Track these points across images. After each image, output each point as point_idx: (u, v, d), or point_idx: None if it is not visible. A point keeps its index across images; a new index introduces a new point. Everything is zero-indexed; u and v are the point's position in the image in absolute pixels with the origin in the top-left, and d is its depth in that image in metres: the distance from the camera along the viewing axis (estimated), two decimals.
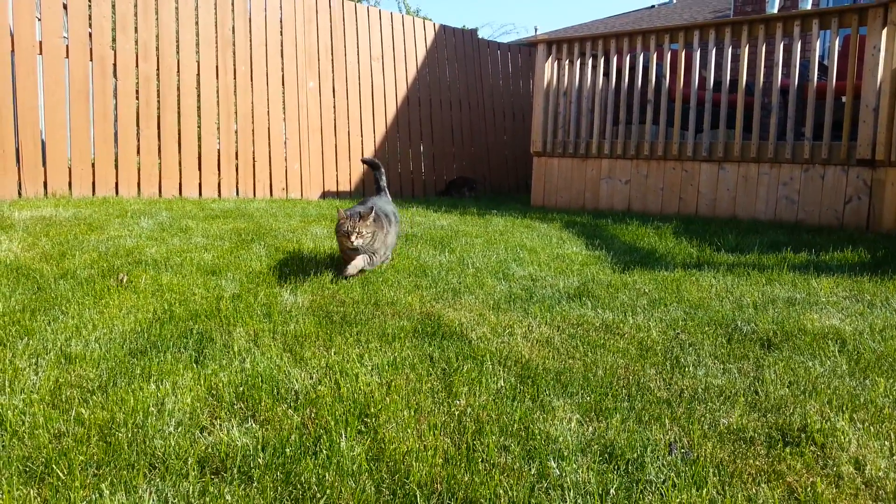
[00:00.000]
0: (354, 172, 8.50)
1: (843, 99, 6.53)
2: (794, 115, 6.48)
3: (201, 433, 1.95)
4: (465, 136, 9.74)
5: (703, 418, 2.14)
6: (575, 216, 6.78)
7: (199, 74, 7.26)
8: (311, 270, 3.94)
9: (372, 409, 2.12)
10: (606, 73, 7.59)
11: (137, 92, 6.89)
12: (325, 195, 8.16)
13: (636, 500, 1.67)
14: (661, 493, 1.69)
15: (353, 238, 3.58)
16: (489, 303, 3.44)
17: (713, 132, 6.96)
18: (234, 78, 7.49)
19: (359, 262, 3.72)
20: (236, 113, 7.51)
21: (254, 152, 7.62)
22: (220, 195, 7.38)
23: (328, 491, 1.65)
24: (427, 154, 9.33)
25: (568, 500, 1.66)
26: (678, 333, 2.99)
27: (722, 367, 2.61)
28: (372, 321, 3.03)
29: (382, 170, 4.50)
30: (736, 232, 5.74)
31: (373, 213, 3.67)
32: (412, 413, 2.11)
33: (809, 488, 1.73)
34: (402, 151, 9.08)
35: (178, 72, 7.14)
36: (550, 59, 7.87)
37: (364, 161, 4.66)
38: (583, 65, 7.69)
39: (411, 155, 9.20)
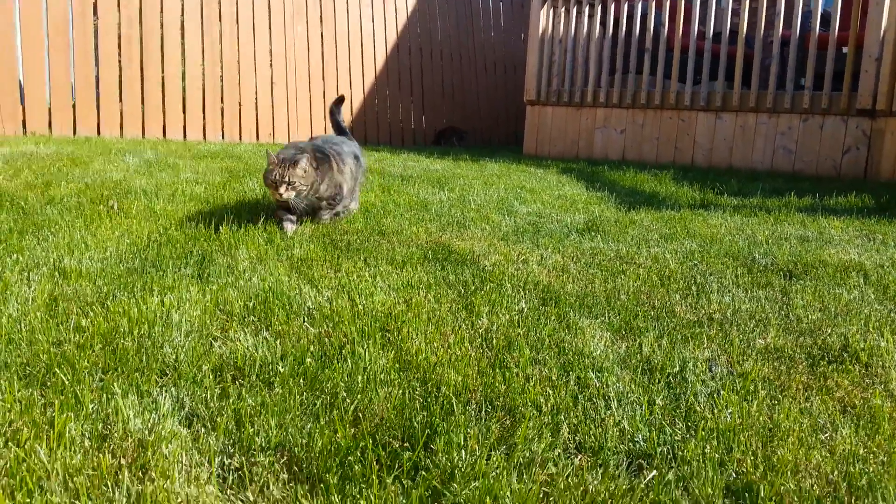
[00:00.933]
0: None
1: (845, 49, 6.42)
2: (794, 66, 6.37)
3: (213, 343, 1.82)
4: (456, 88, 9.53)
5: (737, 339, 2.05)
6: (570, 163, 6.66)
7: (182, 15, 6.97)
8: None
9: (392, 324, 2.00)
10: (603, 22, 7.41)
11: (120, 29, 6.60)
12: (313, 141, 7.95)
13: (687, 408, 1.57)
14: (713, 403, 1.59)
15: (281, 189, 2.90)
16: (497, 235, 3.32)
17: (711, 84, 6.83)
18: (220, 20, 7.20)
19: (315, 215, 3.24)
20: (222, 54, 7.24)
21: (240, 95, 7.37)
22: (205, 138, 7.14)
23: (359, 396, 1.54)
24: (417, 104, 9.12)
25: (614, 408, 1.56)
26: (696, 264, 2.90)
27: (746, 294, 2.52)
28: (378, 248, 2.90)
29: (341, 108, 3.87)
30: (736, 179, 5.66)
31: (306, 159, 2.94)
32: (435, 328, 1.99)
33: (863, 402, 1.65)
34: (392, 100, 8.86)
35: (162, 11, 6.84)
36: (546, 5, 7.66)
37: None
38: (579, 13, 7.49)
39: (401, 105, 8.99)
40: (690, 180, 5.50)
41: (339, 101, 3.84)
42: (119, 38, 6.62)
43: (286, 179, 2.89)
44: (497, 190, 4.67)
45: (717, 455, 1.36)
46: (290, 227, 3.09)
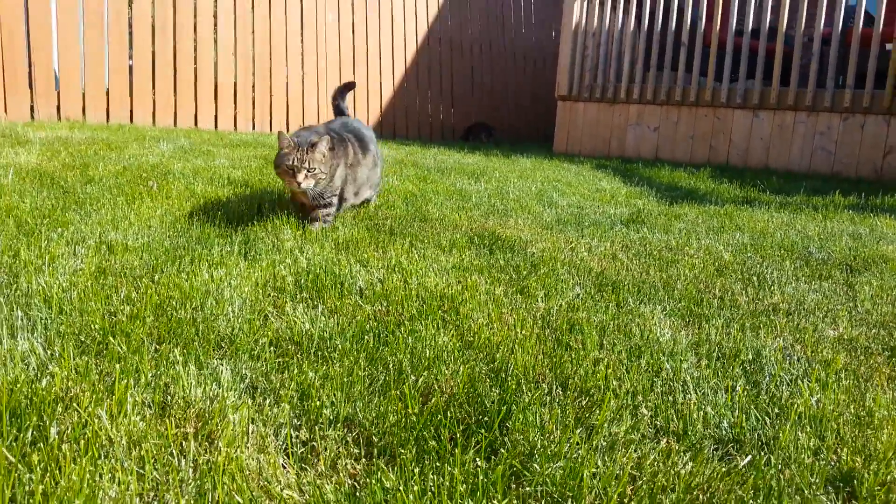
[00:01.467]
0: (372, 113, 8.22)
1: (889, 46, 6.27)
2: (835, 63, 6.23)
3: (268, 317, 1.76)
4: (485, 83, 9.44)
5: (807, 329, 1.96)
6: (603, 161, 6.55)
7: (216, 4, 6.94)
8: None
9: (449, 305, 1.93)
10: (638, 16, 7.30)
11: (154, 18, 6.59)
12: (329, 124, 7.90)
13: (770, 396, 1.49)
14: (796, 391, 1.51)
15: (300, 177, 2.51)
16: (539, 224, 3.25)
17: (748, 81, 6.70)
18: (252, 9, 7.18)
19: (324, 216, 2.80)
20: (254, 45, 7.21)
21: (271, 85, 7.33)
22: (235, 128, 7.12)
23: (424, 373, 1.47)
24: (446, 98, 9.04)
25: (692, 391, 1.48)
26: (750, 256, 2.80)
27: (809, 285, 2.42)
28: (423, 233, 2.84)
29: (346, 95, 3.48)
30: (776, 178, 5.53)
31: (326, 142, 2.59)
32: (493, 308, 1.92)
33: None
34: (422, 94, 8.79)
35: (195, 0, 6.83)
36: None
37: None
38: (613, 6, 7.39)
39: (430, 99, 8.91)
40: (729, 178, 5.39)
41: (347, 86, 3.43)
42: (153, 26, 6.60)
43: (305, 165, 2.50)
44: (533, 183, 4.59)
45: (811, 442, 1.28)
46: (316, 224, 2.75)
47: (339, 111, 3.35)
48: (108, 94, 6.42)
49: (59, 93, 6.17)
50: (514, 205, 3.69)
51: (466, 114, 9.23)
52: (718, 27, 6.73)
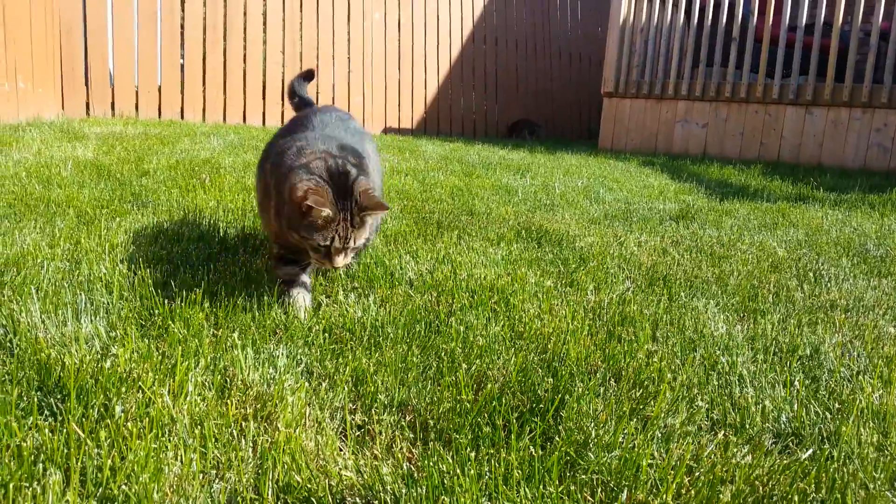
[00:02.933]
0: (416, 110, 8.26)
1: None
2: (893, 57, 6.04)
3: (320, 306, 1.79)
4: (530, 79, 9.40)
5: (867, 325, 1.91)
6: (650, 157, 6.47)
7: (265, 3, 7.05)
8: (396, 184, 3.77)
9: (499, 296, 1.93)
10: (687, 11, 7.18)
11: (205, 18, 6.72)
12: (386, 131, 7.95)
13: (829, 390, 1.46)
14: (857, 386, 1.47)
15: (339, 260, 1.69)
16: (587, 218, 3.22)
17: (801, 77, 6.54)
18: (301, 8, 7.27)
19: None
20: (301, 44, 7.30)
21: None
22: (282, 125, 7.22)
23: (477, 361, 1.47)
24: (490, 95, 9.03)
25: (749, 385, 1.46)
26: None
27: (868, 282, 2.36)
28: (470, 226, 2.84)
29: (306, 84, 2.59)
30: (829, 175, 5.39)
31: (386, 210, 1.70)
32: (544, 300, 1.91)
33: None
34: (466, 91, 8.79)
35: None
36: None
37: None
38: (662, 1, 7.28)
39: (475, 95, 8.91)
40: (781, 175, 5.27)
41: (307, 75, 2.62)
42: (204, 26, 6.73)
43: (351, 244, 1.68)
44: (579, 179, 4.55)
45: (874, 438, 1.24)
46: (306, 298, 1.81)
47: (304, 102, 2.51)
48: (160, 91, 6.57)
49: (113, 90, 6.33)
50: (560, 200, 3.67)
51: (510, 111, 9.20)
52: (771, 22, 6.58)
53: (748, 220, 3.40)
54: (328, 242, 1.63)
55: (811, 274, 2.40)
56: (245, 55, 6.99)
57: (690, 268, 2.41)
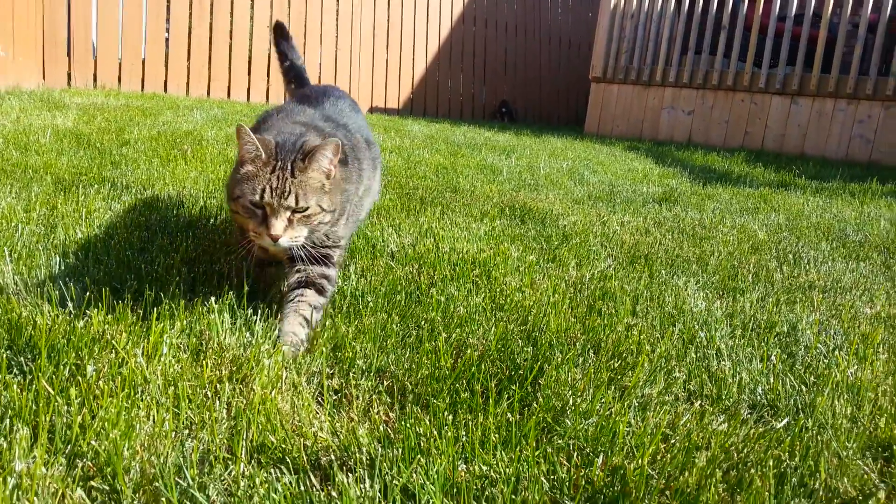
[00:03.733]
0: (403, 90, 8.20)
1: None
2: (880, 50, 6.07)
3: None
4: (518, 63, 9.35)
5: (844, 306, 1.92)
6: (635, 143, 6.48)
7: None
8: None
9: (480, 269, 1.92)
10: None
11: None
12: (372, 110, 7.89)
13: (805, 364, 1.47)
14: (832, 362, 1.48)
15: (276, 226, 1.39)
16: (571, 198, 3.22)
17: (787, 67, 6.56)
18: None
19: (313, 303, 1.51)
20: (289, 17, 7.21)
21: (304, 62, 7.33)
22: (267, 101, 7.14)
23: (457, 330, 1.47)
24: (479, 78, 8.98)
25: (726, 359, 1.46)
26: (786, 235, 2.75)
27: (846, 265, 2.38)
28: (454, 203, 2.83)
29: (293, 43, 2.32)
30: (812, 164, 5.43)
31: (333, 147, 1.43)
32: (526, 274, 1.91)
33: None
34: (454, 73, 8.74)
35: None
36: None
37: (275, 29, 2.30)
38: None
39: (462, 77, 8.86)
40: (764, 163, 5.29)
41: (281, 32, 2.30)
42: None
43: (290, 201, 1.39)
44: (564, 161, 4.55)
45: (848, 410, 1.25)
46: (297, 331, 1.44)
47: (295, 69, 2.31)
48: (144, 63, 6.47)
49: (96, 61, 6.23)
50: (544, 181, 3.66)
51: (498, 94, 9.16)
52: (761, 11, 6.59)
53: (730, 204, 3.41)
54: (257, 196, 1.37)
55: (791, 256, 2.42)
56: (231, 30, 6.89)
57: (672, 247, 2.42)
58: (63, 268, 1.62)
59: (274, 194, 1.38)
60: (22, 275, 1.54)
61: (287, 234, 1.40)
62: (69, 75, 6.11)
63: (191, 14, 6.67)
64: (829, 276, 2.22)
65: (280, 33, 2.33)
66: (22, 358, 1.19)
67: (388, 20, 8.00)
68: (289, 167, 1.40)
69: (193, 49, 6.70)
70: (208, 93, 6.79)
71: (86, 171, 2.67)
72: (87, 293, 1.48)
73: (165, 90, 6.58)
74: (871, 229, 2.99)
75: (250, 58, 7.02)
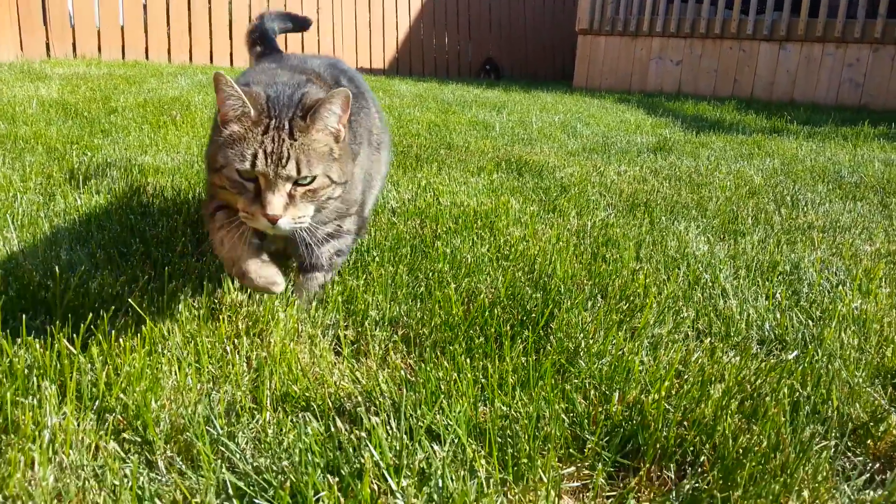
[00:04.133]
0: (388, 50, 8.09)
1: None
2: None
3: None
4: (503, 19, 9.24)
5: (844, 244, 1.94)
6: (625, 95, 6.45)
7: None
8: None
9: (483, 221, 1.93)
10: None
11: None
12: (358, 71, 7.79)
13: (810, 300, 1.49)
14: (836, 297, 1.51)
15: (274, 204, 1.11)
16: (566, 151, 3.21)
17: (775, 14, 6.51)
18: None
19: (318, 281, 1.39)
20: None
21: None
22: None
23: (465, 280, 1.48)
24: (464, 35, 8.87)
25: (732, 297, 1.48)
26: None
27: (844, 206, 2.40)
28: (450, 158, 2.82)
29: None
30: (802, 110, 5.43)
31: (344, 97, 1.16)
32: (530, 223, 1.92)
33: None
34: (438, 31, 8.62)
35: None
36: None
37: None
38: None
39: (447, 35, 8.75)
40: (755, 110, 5.29)
41: (293, 19, 2.01)
42: None
43: (290, 169, 1.12)
44: (556, 115, 4.53)
45: (855, 341, 1.28)
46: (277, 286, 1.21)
47: (262, 38, 1.88)
48: (122, 31, 6.34)
49: (73, 30, 6.10)
50: (538, 135, 3.65)
51: (483, 51, 9.06)
52: None
53: (724, 151, 3.42)
54: (247, 163, 1.09)
55: (788, 198, 2.43)
56: None
57: (670, 194, 2.43)
58: (67, 234, 1.61)
59: (269, 161, 1.09)
60: (27, 242, 1.54)
61: (288, 213, 1.11)
62: (48, 45, 5.99)
63: None
64: (828, 216, 2.24)
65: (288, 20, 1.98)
66: (38, 321, 1.19)
67: None
68: (286, 126, 1.12)
69: (172, 14, 6.57)
70: (190, 59, 6.69)
71: (76, 139, 2.64)
72: (94, 259, 1.47)
73: (147, 57, 6.46)
74: (866, 170, 3.00)
75: (230, 21, 6.90)
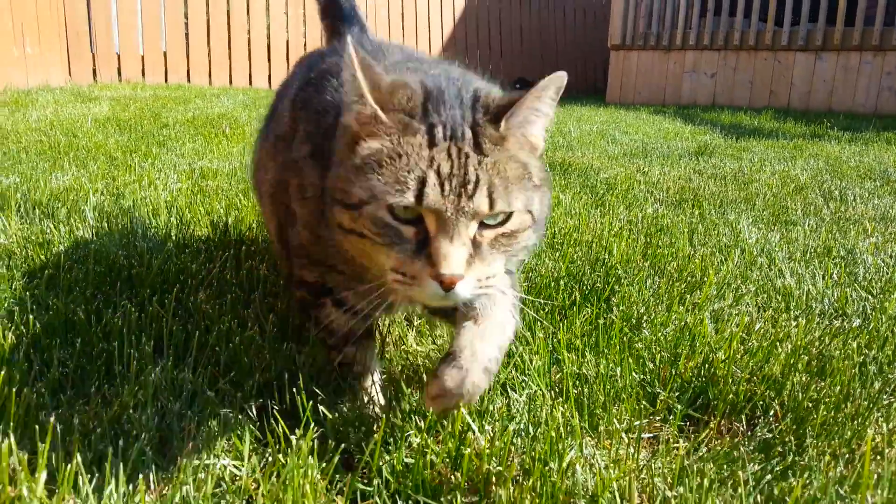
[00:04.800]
0: None
1: None
2: None
3: None
4: (534, 35, 9.34)
5: (894, 233, 1.95)
6: (659, 108, 6.46)
7: None
8: None
9: None
10: None
11: None
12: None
13: (868, 279, 1.50)
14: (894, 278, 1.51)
15: (456, 257, 0.73)
16: (606, 156, 3.25)
17: (810, 24, 6.49)
18: None
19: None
20: (305, 6, 7.26)
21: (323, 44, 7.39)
22: None
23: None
24: (495, 51, 8.98)
25: (788, 278, 1.50)
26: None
27: (893, 199, 2.39)
28: None
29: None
30: (841, 118, 5.39)
31: (557, 86, 0.85)
32: (583, 214, 1.95)
33: None
34: (470, 49, 8.75)
35: None
36: None
37: None
38: None
39: (479, 53, 8.87)
40: (793, 119, 5.27)
41: None
42: None
43: (480, 201, 0.76)
44: (593, 125, 4.57)
45: None
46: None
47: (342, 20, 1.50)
48: (165, 56, 6.55)
49: (119, 56, 6.32)
50: (577, 142, 3.69)
51: (515, 67, 9.15)
52: None
53: (766, 154, 3.43)
54: (409, 195, 0.74)
55: (836, 193, 2.44)
56: (249, 19, 6.95)
57: (717, 191, 2.45)
58: (142, 226, 1.69)
59: (447, 189, 0.74)
60: (103, 231, 1.62)
61: (473, 271, 0.75)
62: (94, 71, 6.20)
63: (208, 3, 6.73)
64: (878, 209, 2.24)
65: None
66: (125, 294, 1.26)
67: (402, 4, 8.02)
68: (467, 136, 0.77)
69: (213, 40, 6.77)
70: (230, 81, 6.87)
71: (134, 149, 2.75)
72: (168, 243, 1.54)
73: (189, 80, 6.66)
74: None
75: (269, 45, 7.09)
